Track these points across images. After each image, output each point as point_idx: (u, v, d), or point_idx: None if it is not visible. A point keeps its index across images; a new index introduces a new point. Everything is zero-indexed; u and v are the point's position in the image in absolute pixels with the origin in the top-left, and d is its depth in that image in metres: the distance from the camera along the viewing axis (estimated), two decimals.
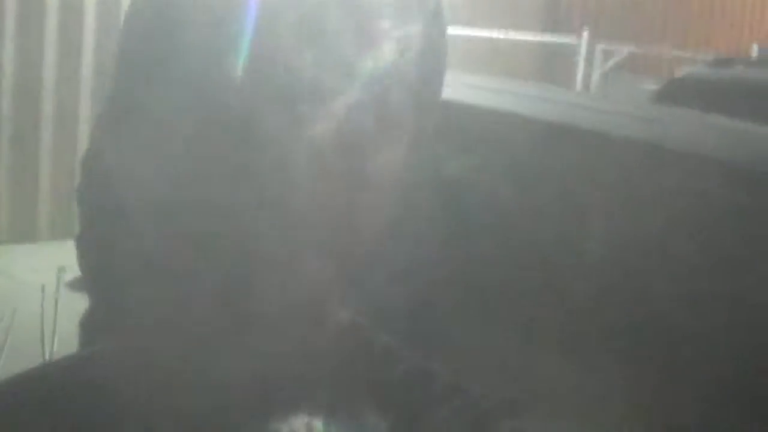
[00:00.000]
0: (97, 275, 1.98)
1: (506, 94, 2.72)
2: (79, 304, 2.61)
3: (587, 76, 9.49)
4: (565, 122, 2.39)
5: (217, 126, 0.58)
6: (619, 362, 1.95)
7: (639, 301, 2.00)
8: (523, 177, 2.27)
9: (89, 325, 2.31)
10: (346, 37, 0.59)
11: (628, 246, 2.05)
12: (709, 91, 4.02)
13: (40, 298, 5.30)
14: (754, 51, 8.65)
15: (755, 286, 1.89)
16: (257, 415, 0.65)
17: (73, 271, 4.41)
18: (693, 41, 11.51)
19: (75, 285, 5.35)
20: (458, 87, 2.56)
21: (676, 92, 4.21)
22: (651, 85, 6.06)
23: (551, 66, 10.76)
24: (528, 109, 2.54)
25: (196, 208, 0.60)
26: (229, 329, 0.62)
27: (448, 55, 0.68)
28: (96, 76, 6.70)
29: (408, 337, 0.77)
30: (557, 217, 2.21)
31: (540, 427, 0.59)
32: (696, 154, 2.13)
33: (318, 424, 0.64)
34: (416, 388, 0.68)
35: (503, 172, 2.32)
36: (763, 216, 1.95)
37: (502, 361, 2.03)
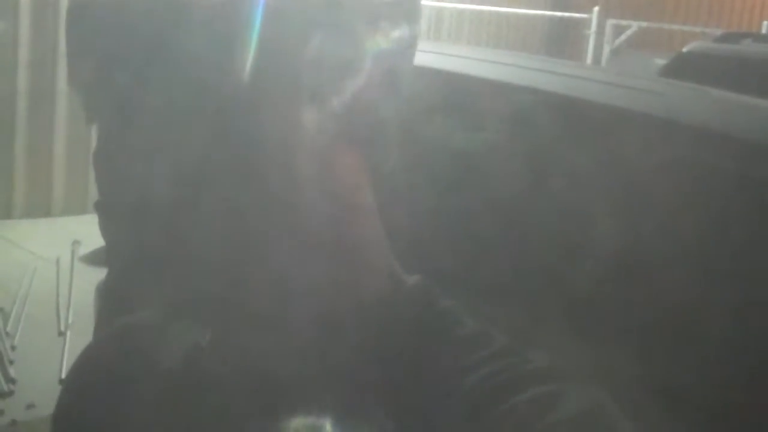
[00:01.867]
0: (116, 241, 2.04)
1: (519, 68, 2.74)
2: (93, 276, 2.66)
3: (598, 51, 9.48)
4: (571, 95, 2.42)
5: (220, 109, 0.63)
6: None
7: (648, 278, 2.01)
8: (537, 150, 2.30)
9: (108, 292, 2.36)
10: (341, 32, 0.64)
11: (634, 220, 2.06)
12: (715, 66, 4.04)
13: (56, 270, 5.37)
14: (765, 28, 8.61)
15: (760, 256, 1.91)
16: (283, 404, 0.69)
17: (87, 245, 4.44)
18: (704, 18, 11.47)
19: (89, 258, 5.42)
20: (473, 62, 2.59)
21: (682, 67, 4.23)
22: (661, 61, 6.06)
23: (563, 41, 10.76)
24: (539, 82, 2.56)
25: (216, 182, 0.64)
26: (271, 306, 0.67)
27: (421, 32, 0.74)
28: None
29: None
30: (563, 188, 2.23)
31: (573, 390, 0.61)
32: (697, 126, 2.15)
33: (328, 424, 0.67)
34: (472, 351, 0.70)
35: (515, 143, 2.35)
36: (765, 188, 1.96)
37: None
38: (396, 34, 0.68)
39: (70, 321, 4.64)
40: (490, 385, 0.67)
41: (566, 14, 10.22)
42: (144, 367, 0.78)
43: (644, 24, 9.64)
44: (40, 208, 6.71)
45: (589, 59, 9.34)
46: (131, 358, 0.80)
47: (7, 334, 4.46)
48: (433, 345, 0.71)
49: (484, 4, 9.79)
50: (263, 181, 0.64)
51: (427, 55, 2.39)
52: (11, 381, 4.00)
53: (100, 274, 2.52)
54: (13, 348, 4.33)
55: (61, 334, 4.57)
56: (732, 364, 1.83)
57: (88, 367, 0.84)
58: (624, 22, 9.65)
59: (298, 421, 0.67)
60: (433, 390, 0.68)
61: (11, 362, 4.16)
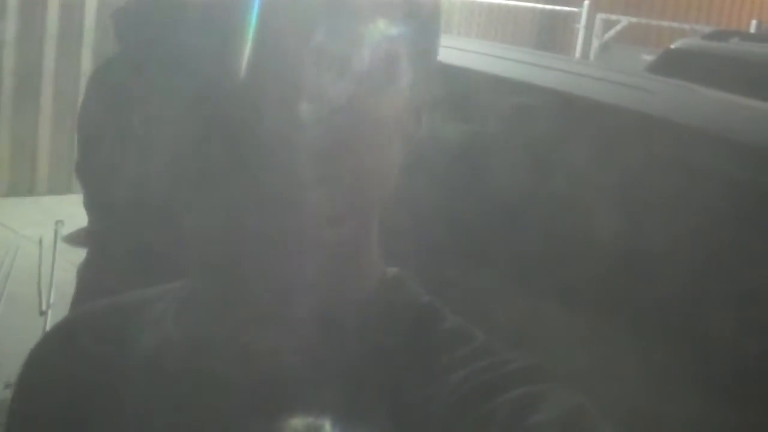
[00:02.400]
0: (96, 204, 2.04)
1: (507, 60, 2.74)
2: (75, 256, 2.65)
3: (587, 45, 9.48)
4: (558, 89, 2.43)
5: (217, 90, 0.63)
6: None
7: (631, 272, 2.01)
8: (523, 142, 2.30)
9: (85, 272, 2.34)
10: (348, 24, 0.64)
11: (619, 219, 2.06)
12: (702, 63, 4.05)
13: (38, 249, 5.35)
14: (753, 26, 8.63)
15: (744, 256, 1.91)
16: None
17: (71, 224, 4.41)
18: (694, 15, 11.50)
19: (72, 238, 5.40)
20: (461, 53, 2.59)
21: (670, 63, 4.23)
22: (650, 56, 6.07)
23: (551, 34, 10.76)
24: (526, 75, 2.56)
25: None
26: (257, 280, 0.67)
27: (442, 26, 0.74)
28: (97, 31, 6.72)
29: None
30: (547, 183, 2.23)
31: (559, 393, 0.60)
32: (680, 123, 2.16)
33: (326, 422, 0.66)
34: (454, 348, 0.70)
35: (501, 138, 2.35)
36: (749, 188, 1.97)
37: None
38: (415, 27, 0.69)
39: (51, 300, 4.63)
40: (472, 385, 0.67)
41: (556, 7, 10.22)
42: (109, 355, 0.77)
43: (634, 20, 9.65)
44: (24, 186, 6.68)
45: (577, 53, 9.35)
46: (96, 343, 0.79)
47: None
48: (413, 341, 0.71)
49: None
50: (270, 172, 0.64)
51: None
52: None
53: (82, 254, 2.52)
54: None
55: (43, 313, 4.56)
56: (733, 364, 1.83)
57: (49, 349, 0.83)
58: (614, 17, 9.65)
59: (269, 415, 0.67)
60: (413, 388, 0.68)
61: None
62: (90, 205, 2.26)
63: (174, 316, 0.75)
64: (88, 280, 2.31)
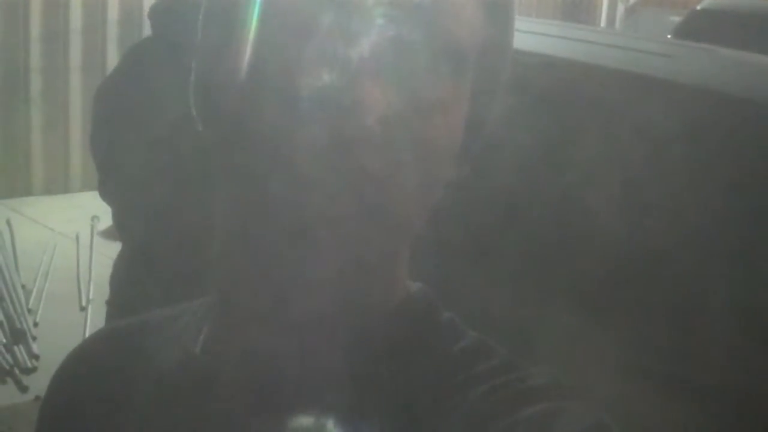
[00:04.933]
0: (123, 223, 2.02)
1: (526, 33, 2.70)
2: (112, 250, 2.67)
3: (612, 10, 9.39)
4: (582, 60, 2.40)
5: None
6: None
7: (655, 239, 1.99)
8: (546, 118, 2.27)
9: (120, 268, 2.35)
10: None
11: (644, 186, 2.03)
12: (729, 23, 3.99)
13: (75, 246, 5.40)
14: None
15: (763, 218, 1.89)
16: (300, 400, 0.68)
17: (106, 220, 4.44)
18: None
19: (108, 233, 5.44)
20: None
21: (697, 24, 4.19)
22: (679, 18, 6.00)
23: (576, 1, 10.67)
24: (548, 47, 2.53)
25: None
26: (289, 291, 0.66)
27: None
28: (122, 25, 6.74)
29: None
30: (574, 155, 2.21)
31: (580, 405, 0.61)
32: (709, 89, 2.13)
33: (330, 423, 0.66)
34: (474, 363, 0.70)
35: (525, 113, 2.32)
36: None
37: None
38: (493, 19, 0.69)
39: (91, 296, 4.67)
40: (492, 400, 0.67)
41: None
42: (133, 371, 0.78)
43: None
44: (59, 184, 6.73)
45: (603, 19, 9.27)
46: (120, 360, 0.79)
47: (29, 310, 4.50)
48: (433, 355, 0.71)
49: None
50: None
51: None
52: (34, 357, 4.03)
53: (119, 248, 2.53)
54: (35, 324, 4.37)
55: (83, 309, 4.61)
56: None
57: (72, 369, 0.83)
58: None
59: (287, 424, 0.67)
60: (432, 402, 0.68)
61: (34, 338, 4.19)
62: (120, 223, 2.28)
63: (195, 331, 0.75)
64: (122, 280, 2.33)
